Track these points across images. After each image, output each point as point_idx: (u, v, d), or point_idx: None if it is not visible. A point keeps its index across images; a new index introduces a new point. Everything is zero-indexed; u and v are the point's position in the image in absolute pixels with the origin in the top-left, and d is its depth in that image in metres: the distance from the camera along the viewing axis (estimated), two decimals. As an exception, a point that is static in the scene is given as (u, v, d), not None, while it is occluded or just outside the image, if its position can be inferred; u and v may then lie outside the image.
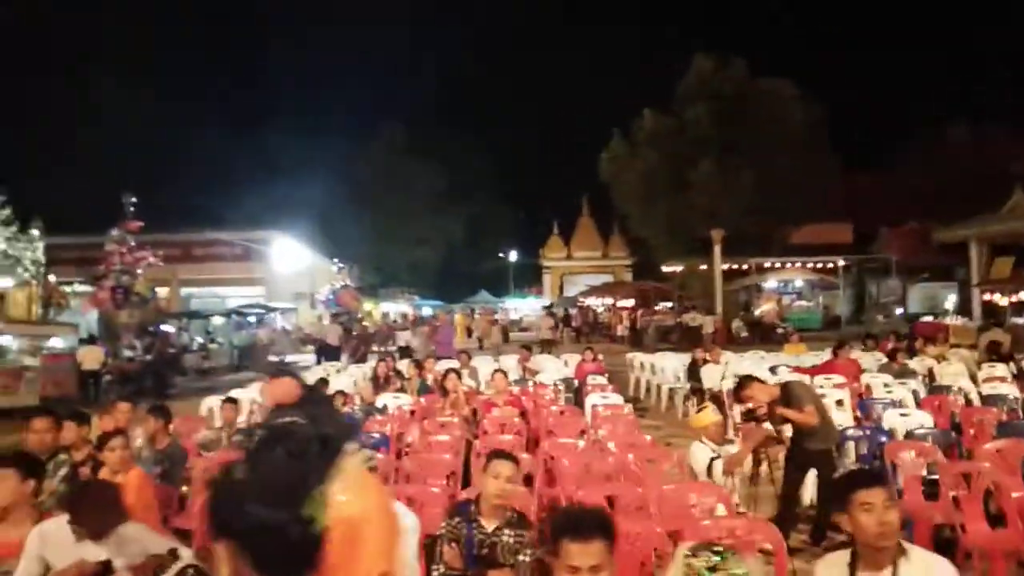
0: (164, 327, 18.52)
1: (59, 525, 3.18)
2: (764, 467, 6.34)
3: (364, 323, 26.88)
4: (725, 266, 29.02)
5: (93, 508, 3.10)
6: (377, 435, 6.34)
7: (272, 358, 24.04)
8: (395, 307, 39.12)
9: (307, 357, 22.48)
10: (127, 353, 16.87)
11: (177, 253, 26.38)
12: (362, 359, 18.77)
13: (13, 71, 41.42)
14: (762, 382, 5.80)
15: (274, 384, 2.78)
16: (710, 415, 5.43)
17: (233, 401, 6.66)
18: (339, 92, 67.80)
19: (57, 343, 15.88)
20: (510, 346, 23.12)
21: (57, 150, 35.79)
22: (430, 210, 44.22)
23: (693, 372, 11.30)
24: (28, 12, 43.60)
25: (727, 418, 7.62)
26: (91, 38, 50.74)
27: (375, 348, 22.82)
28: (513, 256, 50.04)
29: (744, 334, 25.75)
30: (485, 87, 67.18)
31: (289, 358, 23.42)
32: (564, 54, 78.69)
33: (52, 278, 22.75)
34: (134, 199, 18.61)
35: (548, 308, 30.84)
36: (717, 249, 27.52)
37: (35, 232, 22.71)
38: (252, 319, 25.26)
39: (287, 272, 31.19)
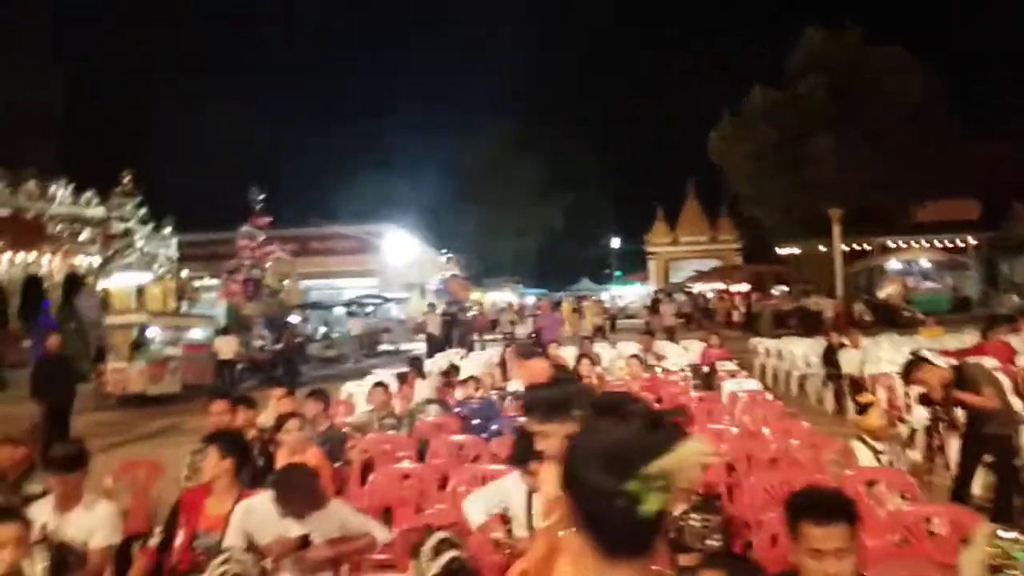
0: (290, 318, 19.30)
1: (263, 501, 3.31)
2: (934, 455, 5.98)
3: (472, 312, 27.24)
4: (845, 247, 27.70)
5: (297, 490, 3.21)
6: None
7: (388, 347, 24.78)
8: (500, 296, 39.51)
9: (419, 345, 23.00)
10: (257, 343, 17.68)
11: (296, 247, 27.48)
12: (468, 347, 18.99)
13: (143, 78, 44.05)
14: (933, 363, 5.46)
15: (528, 364, 2.84)
16: (877, 416, 5.03)
17: (383, 385, 6.82)
18: (447, 89, 68.85)
19: (196, 334, 16.80)
20: (620, 334, 22.91)
21: (185, 152, 37.84)
22: (533, 200, 44.60)
23: (829, 357, 10.81)
24: (160, 19, 46.27)
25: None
26: (216, 42, 53.38)
27: (480, 337, 23.20)
28: (615, 243, 49.55)
29: (867, 318, 24.57)
30: (588, 73, 66.71)
31: (404, 346, 24.05)
32: (668, 34, 77.08)
33: (184, 273, 24.16)
34: (261, 195, 19.46)
35: (667, 294, 30.26)
36: (836, 229, 26.28)
37: (168, 230, 24.21)
38: (369, 309, 26.04)
39: (398, 263, 31.99)
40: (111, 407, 14.46)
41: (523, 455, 3.13)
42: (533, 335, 19.48)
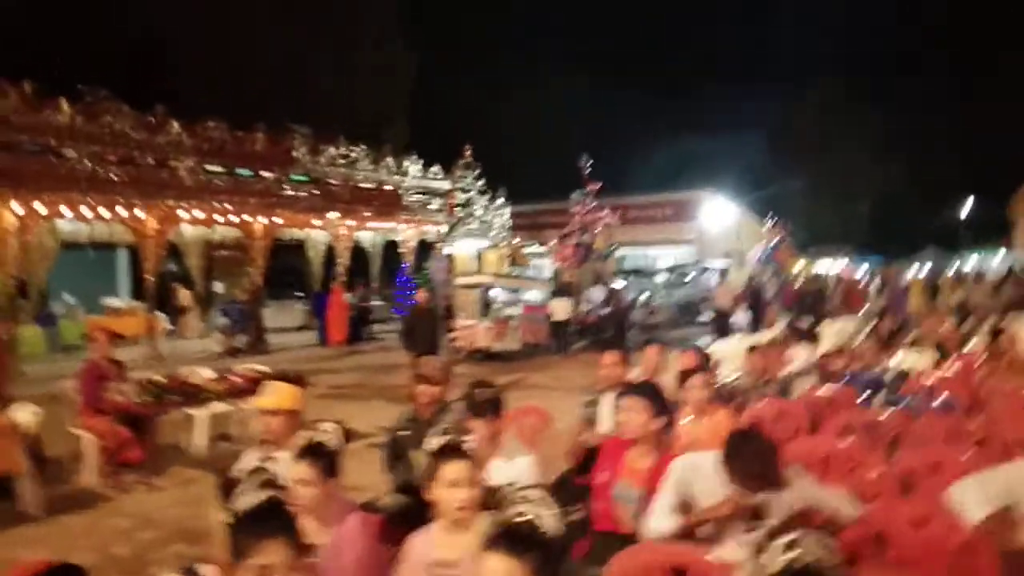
0: (614, 284, 19.43)
1: (707, 459, 2.99)
2: None
3: (797, 282, 25.33)
4: None
5: (750, 462, 2.83)
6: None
7: (707, 317, 24.01)
8: (828, 265, 36.37)
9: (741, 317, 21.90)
10: (585, 307, 18.05)
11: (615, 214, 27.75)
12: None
13: (478, 56, 47.44)
14: None
15: None
16: None
17: (759, 348, 6.31)
18: (770, 47, 64.82)
19: (532, 296, 17.61)
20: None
21: (514, 126, 40.08)
22: (866, 161, 40.36)
23: None
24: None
25: None
26: (536, 17, 55.88)
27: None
28: (967, 206, 42.92)
29: None
30: (932, 19, 58.42)
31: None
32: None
33: (517, 240, 25.64)
34: (591, 161, 19.77)
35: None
36: None
37: (500, 200, 25.78)
38: (689, 277, 25.47)
39: (716, 231, 30.89)
40: (460, 360, 15.73)
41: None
42: (881, 312, 17.41)
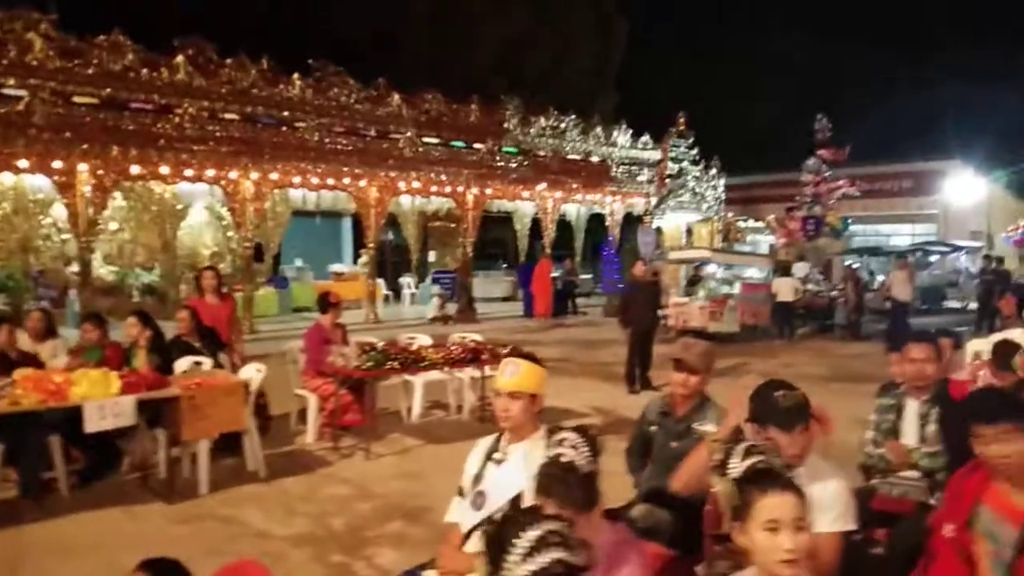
0: (847, 262, 17.49)
1: None
2: None
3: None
4: None
5: None
6: None
7: (953, 303, 21.15)
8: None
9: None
10: (810, 287, 16.39)
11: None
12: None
13: (688, 20, 45.35)
14: None
15: None
16: None
17: None
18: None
19: (752, 273, 16.25)
20: None
21: (730, 94, 38.00)
22: None
23: None
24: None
25: None
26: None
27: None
28: None
29: None
30: None
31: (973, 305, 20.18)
32: None
33: (730, 214, 24.10)
34: (828, 125, 17.87)
35: None
36: None
37: (714, 171, 24.27)
38: (934, 258, 22.55)
39: (963, 207, 27.17)
40: (670, 340, 14.83)
41: None
42: None
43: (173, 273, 16.48)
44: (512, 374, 2.83)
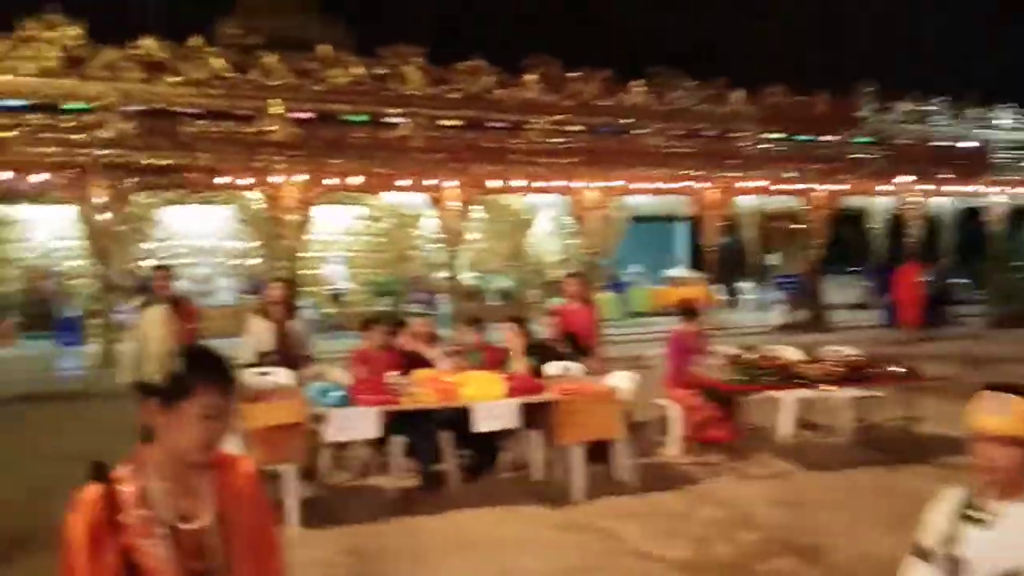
0: None
1: None
2: None
3: None
4: None
5: None
6: None
7: None
8: None
9: None
10: None
11: None
12: None
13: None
14: None
15: None
16: None
17: None
18: None
19: None
20: None
21: None
22: None
23: None
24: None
25: None
26: None
27: None
28: None
29: None
30: None
31: None
32: None
33: None
34: None
35: None
36: None
37: None
38: None
39: None
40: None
41: None
42: None
43: (523, 279, 17.55)
44: (1001, 413, 2.18)
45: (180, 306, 6.87)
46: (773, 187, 16.66)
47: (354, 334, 14.61)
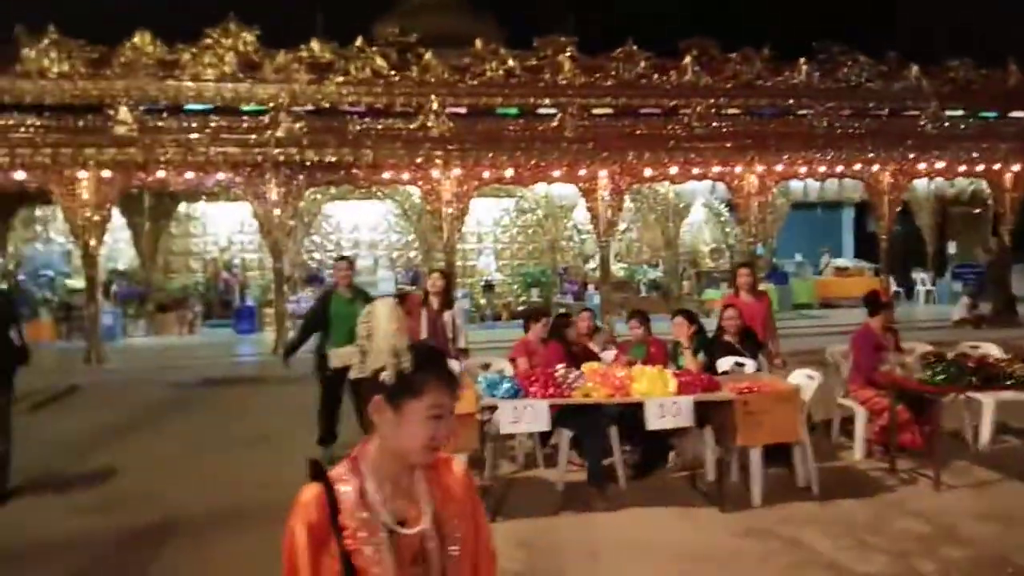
0: None
1: None
2: None
3: None
4: None
5: None
6: None
7: None
8: None
9: None
10: None
11: None
12: None
13: None
14: None
15: None
16: None
17: None
18: None
19: None
20: None
21: None
22: None
23: None
24: None
25: None
26: None
27: None
28: None
29: None
30: None
31: None
32: None
33: None
34: None
35: None
36: None
37: None
38: None
39: None
40: None
41: None
42: None
43: (675, 269, 17.05)
44: None
45: (406, 300, 6.72)
46: (956, 168, 15.24)
47: (504, 324, 14.76)
